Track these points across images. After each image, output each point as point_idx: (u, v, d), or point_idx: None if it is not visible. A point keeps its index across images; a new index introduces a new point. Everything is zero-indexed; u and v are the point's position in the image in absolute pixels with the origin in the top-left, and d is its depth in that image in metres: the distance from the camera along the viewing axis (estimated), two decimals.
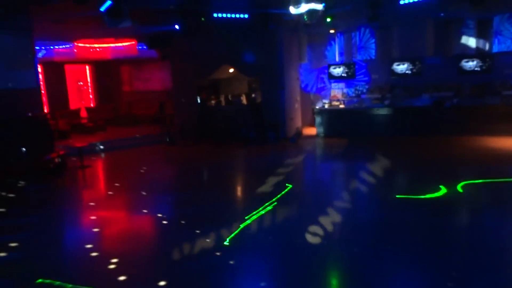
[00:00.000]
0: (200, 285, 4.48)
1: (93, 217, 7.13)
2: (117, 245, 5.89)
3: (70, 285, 4.32)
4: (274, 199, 7.26)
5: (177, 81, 14.52)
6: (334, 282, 4.59)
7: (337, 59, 15.12)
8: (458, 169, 9.04)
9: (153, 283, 4.47)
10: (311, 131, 14.35)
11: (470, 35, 13.68)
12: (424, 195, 7.01)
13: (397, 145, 11.92)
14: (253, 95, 14.76)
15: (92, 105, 17.97)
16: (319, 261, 4.94)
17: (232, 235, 5.73)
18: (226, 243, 5.47)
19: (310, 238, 5.49)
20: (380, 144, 12.05)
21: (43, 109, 11.29)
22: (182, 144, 13.76)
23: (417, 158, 10.33)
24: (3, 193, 8.87)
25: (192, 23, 10.21)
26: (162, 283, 4.47)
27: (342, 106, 14.01)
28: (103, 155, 12.81)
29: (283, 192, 7.72)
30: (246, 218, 6.36)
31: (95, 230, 6.49)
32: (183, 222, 6.49)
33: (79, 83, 17.75)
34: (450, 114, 12.45)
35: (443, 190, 7.23)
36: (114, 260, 5.13)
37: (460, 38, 13.77)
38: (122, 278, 4.66)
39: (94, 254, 5.42)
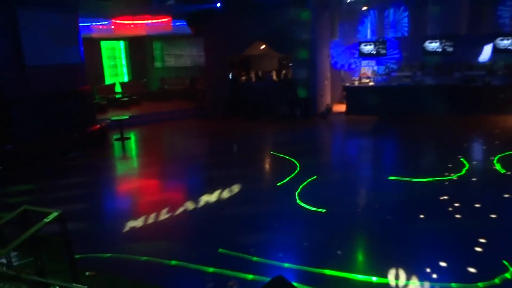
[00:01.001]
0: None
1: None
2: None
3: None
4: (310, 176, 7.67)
5: (211, 57, 14.87)
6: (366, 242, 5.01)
7: (368, 36, 15.15)
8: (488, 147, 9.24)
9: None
10: (340, 108, 14.58)
11: (506, 13, 13.51)
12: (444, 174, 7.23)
13: (426, 122, 12.08)
14: (283, 72, 15.03)
15: (125, 80, 18.51)
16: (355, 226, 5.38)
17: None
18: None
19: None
20: (409, 122, 12.23)
21: (87, 84, 11.84)
22: (215, 119, 14.24)
23: (445, 136, 10.52)
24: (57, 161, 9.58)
25: (233, 1, 10.47)
26: None
27: (371, 83, 14.16)
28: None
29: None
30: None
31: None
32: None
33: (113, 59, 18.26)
34: (482, 92, 12.49)
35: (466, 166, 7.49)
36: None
37: (495, 16, 13.61)
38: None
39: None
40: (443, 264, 4.30)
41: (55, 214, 2.04)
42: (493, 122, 11.48)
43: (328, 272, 4.23)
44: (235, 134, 12.12)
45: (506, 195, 6.20)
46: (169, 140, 12.17)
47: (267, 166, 8.93)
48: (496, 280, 3.98)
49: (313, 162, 8.59)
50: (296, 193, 6.57)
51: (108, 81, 17.66)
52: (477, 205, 5.87)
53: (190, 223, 5.85)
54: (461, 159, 7.96)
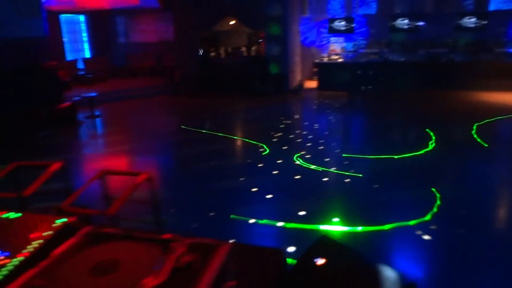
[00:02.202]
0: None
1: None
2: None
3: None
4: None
5: (180, 33, 14.53)
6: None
7: (338, 13, 15.35)
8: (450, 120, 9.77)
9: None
10: (311, 84, 14.79)
11: None
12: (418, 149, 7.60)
13: (394, 97, 12.53)
14: (253, 48, 14.99)
15: (88, 56, 17.76)
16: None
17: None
18: None
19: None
20: (378, 97, 12.65)
21: (52, 59, 11.28)
22: (186, 95, 14.04)
23: (413, 110, 10.99)
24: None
25: None
26: None
27: (340, 60, 14.45)
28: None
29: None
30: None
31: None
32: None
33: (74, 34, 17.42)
34: (446, 69, 13.08)
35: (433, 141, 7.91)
36: None
37: None
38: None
39: None
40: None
41: (58, 164, 2.00)
42: (456, 96, 12.10)
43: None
44: (208, 110, 12.03)
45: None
46: (141, 117, 11.90)
47: (239, 143, 8.99)
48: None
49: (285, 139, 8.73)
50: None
51: (69, 57, 16.87)
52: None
53: (178, 197, 5.82)
54: (427, 130, 8.40)
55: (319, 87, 14.02)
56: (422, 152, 7.19)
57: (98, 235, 1.60)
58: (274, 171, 6.46)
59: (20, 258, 1.41)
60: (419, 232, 4.38)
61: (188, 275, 1.35)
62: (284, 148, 7.76)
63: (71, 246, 1.42)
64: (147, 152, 8.32)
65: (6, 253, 1.44)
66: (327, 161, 6.86)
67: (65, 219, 1.60)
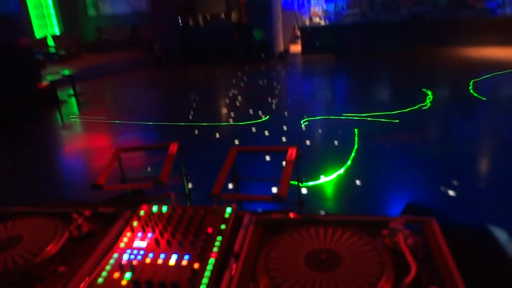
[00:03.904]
0: None
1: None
2: None
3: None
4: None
5: (156, 2, 13.88)
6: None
7: None
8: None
9: None
10: (295, 48, 14.57)
11: None
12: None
13: (381, 58, 12.52)
14: (233, 14, 14.53)
15: (57, 32, 16.80)
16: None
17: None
18: None
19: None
20: (363, 58, 12.58)
21: (25, 36, 10.59)
22: (168, 68, 13.57)
23: (404, 70, 11.03)
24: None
25: None
26: None
27: (322, 23, 14.25)
28: None
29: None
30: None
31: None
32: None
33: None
34: (430, 27, 13.11)
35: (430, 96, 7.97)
36: None
37: None
38: None
39: None
40: None
41: (175, 145, 1.84)
42: (445, 54, 12.19)
43: None
44: (193, 82, 11.67)
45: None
46: (126, 93, 11.45)
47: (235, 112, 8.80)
48: None
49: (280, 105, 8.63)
50: None
51: (38, 34, 15.91)
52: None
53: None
54: (423, 89, 8.44)
55: (304, 51, 13.83)
56: (416, 107, 7.27)
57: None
58: (282, 137, 6.35)
59: (211, 260, 1.26)
60: None
61: (87, 244, 1.41)
62: (284, 114, 7.65)
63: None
64: (141, 128, 8.04)
65: (187, 257, 1.27)
66: (331, 124, 6.81)
67: (231, 208, 1.45)
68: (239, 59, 13.16)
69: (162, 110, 9.20)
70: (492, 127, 6.44)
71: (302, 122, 6.98)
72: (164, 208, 1.50)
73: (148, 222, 1.44)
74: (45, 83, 10.58)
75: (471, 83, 8.43)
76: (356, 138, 6.01)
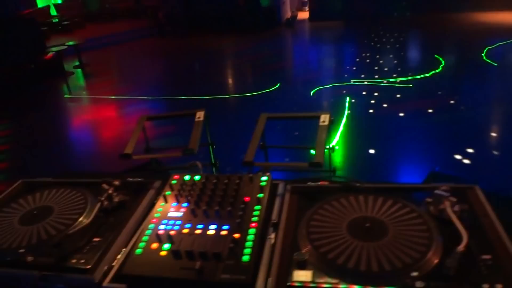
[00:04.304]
0: None
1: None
2: None
3: None
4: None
5: None
6: None
7: None
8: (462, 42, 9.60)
9: None
10: (302, 15, 14.22)
11: None
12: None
13: (391, 23, 12.20)
14: None
15: (59, 1, 16.48)
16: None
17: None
18: None
19: None
20: (372, 24, 12.26)
21: (29, 7, 10.38)
22: (173, 36, 13.34)
23: (417, 35, 10.76)
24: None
25: None
26: None
27: None
28: None
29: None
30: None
31: None
32: None
33: None
34: None
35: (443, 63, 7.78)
36: None
37: None
38: None
39: None
40: None
41: (202, 112, 1.78)
42: (453, 19, 11.85)
43: None
44: (199, 51, 11.47)
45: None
46: (131, 63, 11.28)
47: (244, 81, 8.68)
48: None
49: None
50: None
51: (40, 3, 15.60)
52: None
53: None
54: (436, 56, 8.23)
55: (312, 18, 13.49)
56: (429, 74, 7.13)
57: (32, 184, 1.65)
58: (293, 107, 6.26)
59: (251, 230, 1.22)
60: None
61: (119, 215, 1.38)
62: (294, 83, 7.53)
63: None
64: (148, 101, 7.96)
65: (226, 227, 1.23)
66: (344, 92, 6.69)
67: (267, 177, 1.40)
68: (245, 26, 12.88)
69: (169, 82, 9.07)
70: (504, 93, 6.31)
71: (312, 92, 6.86)
72: (197, 177, 1.45)
73: (181, 192, 1.40)
74: (50, 54, 10.46)
75: (484, 51, 8.19)
76: (347, 105, 5.92)
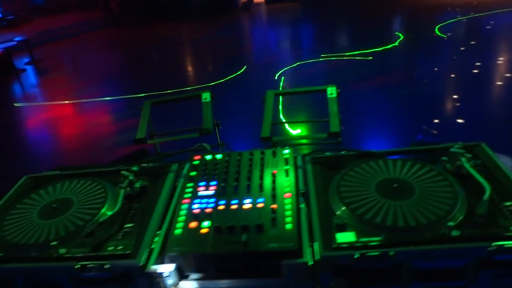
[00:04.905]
0: None
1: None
2: None
3: None
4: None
5: None
6: None
7: None
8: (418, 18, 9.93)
9: None
10: None
11: None
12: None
13: (344, 3, 12.36)
14: None
15: None
16: None
17: None
18: None
19: None
20: (329, 4, 12.39)
21: None
22: (129, 25, 12.93)
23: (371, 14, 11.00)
24: None
25: None
26: None
27: None
28: None
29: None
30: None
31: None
32: None
33: None
34: None
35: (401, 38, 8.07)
36: None
37: None
38: None
39: None
40: None
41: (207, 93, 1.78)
42: None
43: None
44: (157, 41, 11.21)
45: None
46: (86, 57, 10.84)
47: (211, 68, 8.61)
48: None
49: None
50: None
51: None
52: None
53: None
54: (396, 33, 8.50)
55: (268, 0, 13.48)
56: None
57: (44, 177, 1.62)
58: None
59: (286, 200, 1.24)
60: None
61: (143, 200, 1.39)
62: (257, 66, 7.55)
63: None
64: (115, 90, 7.74)
65: (261, 200, 1.25)
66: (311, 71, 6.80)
67: (289, 150, 1.44)
68: (201, 12, 12.68)
69: (127, 75, 8.79)
70: (453, 62, 6.65)
71: (276, 74, 6.88)
72: (219, 156, 1.46)
73: (206, 171, 1.41)
74: None
75: (436, 29, 8.52)
76: (281, 84, 6.05)
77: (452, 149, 1.35)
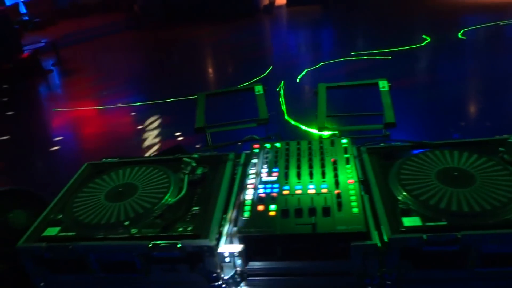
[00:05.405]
0: None
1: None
2: None
3: None
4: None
5: None
6: None
7: None
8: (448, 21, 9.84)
9: None
10: (279, 1, 14.22)
11: None
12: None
13: (367, 6, 12.34)
14: None
15: None
16: None
17: None
18: None
19: None
20: (349, 7, 12.36)
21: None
22: (150, 29, 13.12)
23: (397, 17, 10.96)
24: None
25: None
26: None
27: None
28: None
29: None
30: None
31: None
32: None
33: None
34: None
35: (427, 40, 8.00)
36: None
37: None
38: None
39: None
40: None
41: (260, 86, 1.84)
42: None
43: None
44: (178, 42, 11.34)
45: None
46: (111, 59, 11.03)
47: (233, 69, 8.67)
48: None
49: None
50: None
51: (8, 0, 15.03)
52: None
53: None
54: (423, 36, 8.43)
55: (289, 3, 13.52)
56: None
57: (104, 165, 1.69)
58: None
59: (350, 186, 1.29)
60: None
61: (205, 185, 1.46)
62: (284, 68, 7.58)
63: None
64: (138, 91, 7.87)
65: (324, 185, 1.30)
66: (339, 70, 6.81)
67: (347, 139, 1.50)
68: (223, 14, 12.80)
69: (153, 77, 8.89)
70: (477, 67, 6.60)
71: (298, 76, 6.89)
72: (278, 144, 1.51)
73: (267, 158, 1.46)
74: (26, 53, 10.16)
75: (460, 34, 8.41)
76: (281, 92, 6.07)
77: (510, 140, 1.37)
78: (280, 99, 5.75)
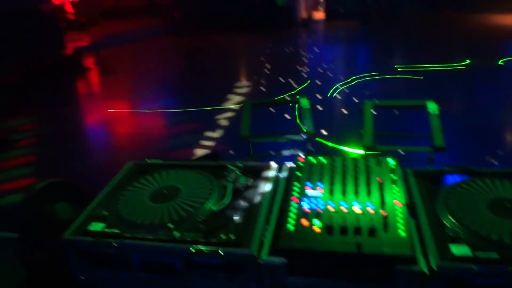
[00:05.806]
0: None
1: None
2: None
3: None
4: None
5: None
6: None
7: None
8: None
9: None
10: (317, 15, 14.25)
11: None
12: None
13: (407, 23, 12.19)
14: None
15: None
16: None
17: None
18: None
19: None
20: (387, 23, 12.23)
21: (48, 2, 10.44)
22: (189, 34, 13.37)
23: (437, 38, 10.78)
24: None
25: None
26: None
27: None
28: None
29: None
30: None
31: None
32: None
33: None
34: None
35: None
36: None
37: None
38: None
39: None
40: None
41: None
42: (469, 20, 11.84)
43: None
44: (215, 49, 11.50)
45: None
46: (151, 61, 11.28)
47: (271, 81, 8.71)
48: None
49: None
50: None
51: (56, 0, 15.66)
52: None
53: None
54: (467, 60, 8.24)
55: (328, 18, 13.52)
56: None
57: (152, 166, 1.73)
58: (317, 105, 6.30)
59: (397, 207, 1.27)
60: None
61: (247, 194, 1.46)
62: (317, 83, 7.56)
63: None
64: (174, 95, 8.00)
65: (370, 205, 1.29)
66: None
67: (395, 160, 1.48)
68: (261, 25, 12.91)
69: (187, 84, 9.03)
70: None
71: (332, 90, 6.85)
72: (323, 159, 1.51)
73: (312, 173, 1.46)
74: (70, 50, 10.54)
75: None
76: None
77: None
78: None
